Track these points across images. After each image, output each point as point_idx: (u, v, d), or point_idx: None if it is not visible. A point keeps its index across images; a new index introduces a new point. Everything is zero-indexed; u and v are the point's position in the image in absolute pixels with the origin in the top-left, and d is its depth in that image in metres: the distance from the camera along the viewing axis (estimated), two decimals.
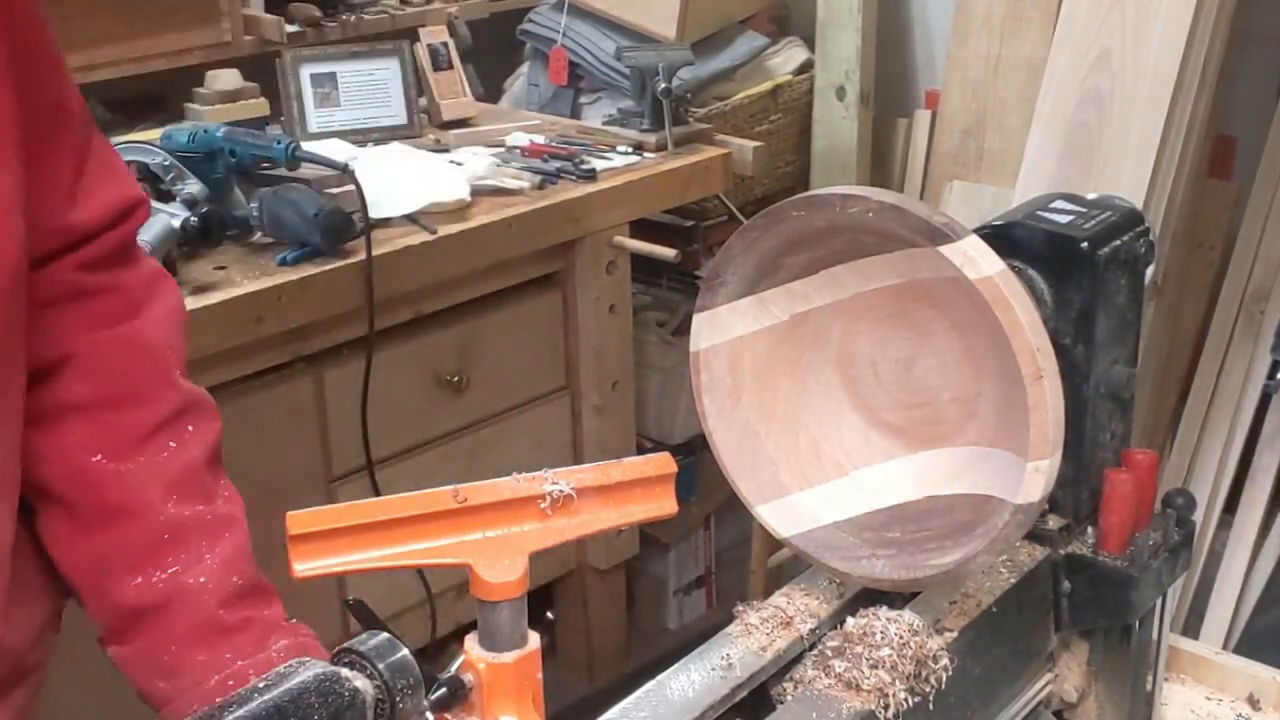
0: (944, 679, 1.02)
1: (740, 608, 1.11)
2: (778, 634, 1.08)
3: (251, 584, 1.07)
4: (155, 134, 2.14)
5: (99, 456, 1.06)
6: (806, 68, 3.01)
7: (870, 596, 1.10)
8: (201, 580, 1.04)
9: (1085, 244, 1.11)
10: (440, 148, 2.55)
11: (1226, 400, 2.52)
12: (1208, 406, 2.54)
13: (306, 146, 2.13)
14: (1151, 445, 2.50)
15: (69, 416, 1.06)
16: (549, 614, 2.70)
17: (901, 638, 1.02)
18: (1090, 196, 1.20)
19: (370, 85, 2.58)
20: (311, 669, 0.91)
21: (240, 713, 0.83)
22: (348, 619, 2.12)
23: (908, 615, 1.05)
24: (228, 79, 2.53)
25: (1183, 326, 2.64)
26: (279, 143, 2.07)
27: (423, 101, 2.66)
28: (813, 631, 1.08)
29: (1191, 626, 2.47)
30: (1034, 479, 0.98)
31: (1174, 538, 1.19)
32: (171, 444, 1.08)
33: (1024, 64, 2.70)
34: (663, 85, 2.49)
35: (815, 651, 1.04)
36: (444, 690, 0.91)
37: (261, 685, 0.90)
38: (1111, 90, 2.08)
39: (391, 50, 2.60)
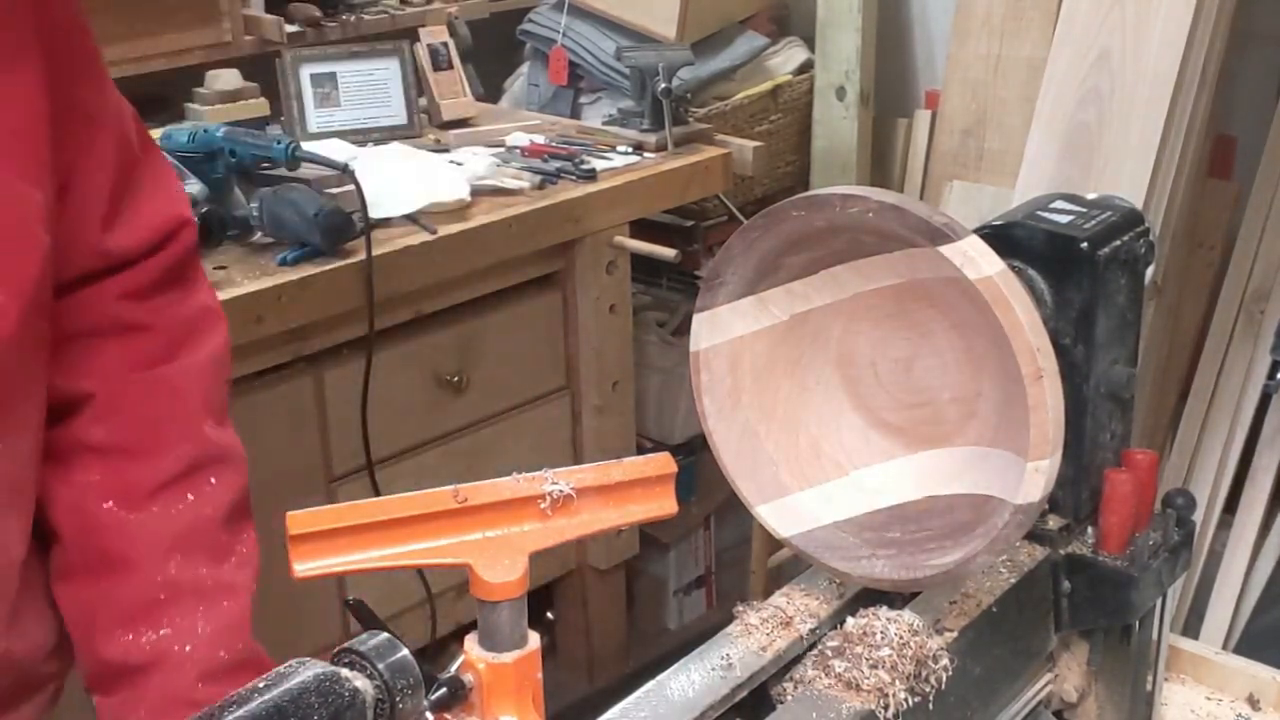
0: (944, 679, 1.02)
1: (740, 608, 1.10)
2: (778, 634, 1.07)
3: (240, 659, 1.05)
4: (155, 134, 2.12)
5: (110, 503, 1.04)
6: (806, 68, 3.01)
7: (870, 596, 1.10)
8: (188, 649, 1.02)
9: (1085, 244, 1.11)
10: (440, 148, 2.55)
11: (1226, 400, 2.52)
12: (1208, 406, 2.54)
13: (306, 146, 2.13)
14: (1151, 445, 2.50)
15: (84, 457, 1.04)
16: (549, 614, 2.70)
17: (901, 638, 1.02)
18: (1090, 196, 1.20)
19: (370, 85, 2.58)
20: (311, 669, 0.90)
21: (240, 713, 0.83)
22: (348, 619, 2.12)
23: (908, 615, 1.04)
24: (228, 79, 2.53)
25: (1183, 326, 2.64)
26: (279, 143, 2.07)
27: (423, 101, 2.66)
28: (813, 631, 1.08)
29: (1191, 626, 2.47)
30: (1034, 479, 0.98)
31: (1174, 538, 1.19)
32: (189, 496, 1.06)
33: (1024, 64, 2.70)
34: (663, 85, 2.49)
35: (815, 651, 1.04)
36: (444, 690, 0.91)
37: (261, 685, 0.90)
38: (1111, 90, 2.08)
39: (391, 50, 2.60)
